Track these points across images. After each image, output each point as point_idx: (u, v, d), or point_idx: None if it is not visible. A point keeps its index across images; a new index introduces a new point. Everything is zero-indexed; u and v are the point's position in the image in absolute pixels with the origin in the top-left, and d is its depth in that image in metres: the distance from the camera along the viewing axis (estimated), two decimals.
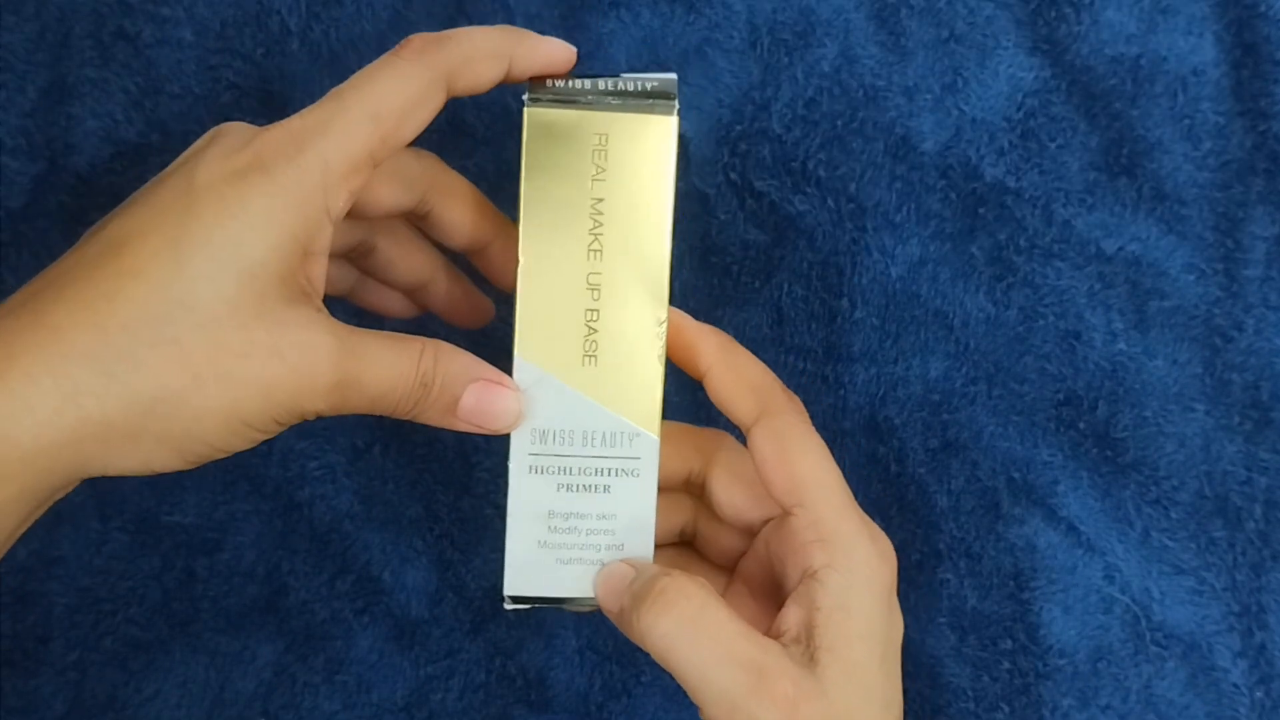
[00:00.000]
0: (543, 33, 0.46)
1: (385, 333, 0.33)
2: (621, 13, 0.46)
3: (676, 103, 0.34)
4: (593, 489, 0.35)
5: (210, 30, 0.45)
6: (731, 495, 0.37)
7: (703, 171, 0.46)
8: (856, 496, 0.42)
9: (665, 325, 0.35)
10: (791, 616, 0.34)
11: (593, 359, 0.35)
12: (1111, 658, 0.45)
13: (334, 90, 0.33)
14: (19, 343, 0.30)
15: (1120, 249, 0.47)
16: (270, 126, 0.33)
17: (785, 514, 0.35)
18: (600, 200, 0.34)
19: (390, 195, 0.37)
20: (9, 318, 0.30)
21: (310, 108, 0.33)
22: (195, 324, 0.30)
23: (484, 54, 0.34)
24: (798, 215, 0.46)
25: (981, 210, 0.46)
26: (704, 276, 0.46)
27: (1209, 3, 0.47)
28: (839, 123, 0.46)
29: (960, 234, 0.46)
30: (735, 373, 0.36)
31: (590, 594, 0.36)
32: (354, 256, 0.39)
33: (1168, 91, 0.47)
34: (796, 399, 0.36)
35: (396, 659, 0.45)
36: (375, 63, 0.33)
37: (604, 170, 0.34)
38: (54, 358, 0.30)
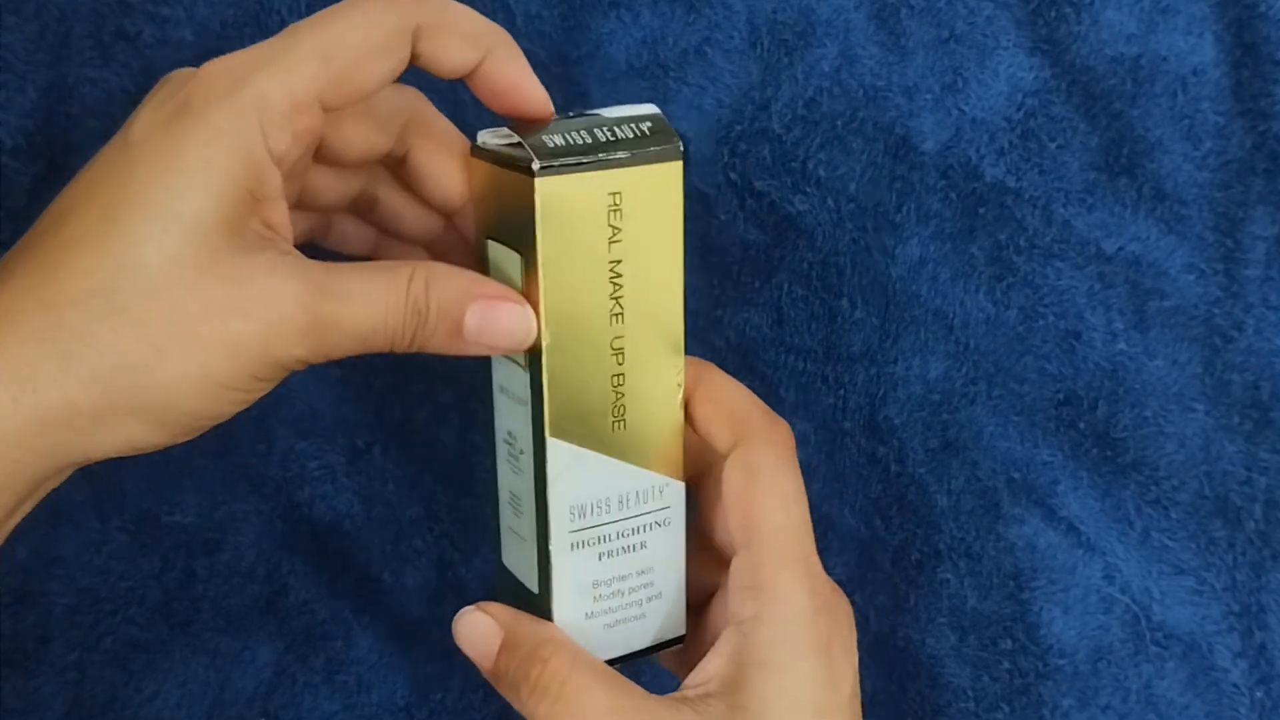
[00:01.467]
0: (543, 34, 0.46)
1: (370, 264, 0.31)
2: (621, 13, 0.46)
3: (679, 142, 0.32)
4: (632, 549, 0.34)
5: (210, 30, 0.45)
6: (716, 526, 0.37)
7: (703, 171, 0.46)
8: (856, 497, 0.42)
9: (683, 373, 0.34)
10: (712, 667, 0.33)
11: (621, 423, 0.33)
12: (1111, 658, 0.45)
13: (291, 25, 0.31)
14: None
15: (1120, 249, 0.47)
16: (209, 62, 0.30)
17: (732, 553, 0.34)
18: (618, 262, 0.32)
19: (360, 136, 0.34)
20: None
21: (261, 43, 0.30)
22: (144, 290, 0.28)
23: (462, 27, 0.32)
24: (798, 215, 0.46)
25: (981, 210, 0.47)
26: (704, 276, 0.46)
27: (1209, 3, 0.47)
28: (839, 123, 0.46)
29: (960, 234, 0.46)
30: (714, 401, 0.34)
31: (633, 649, 0.35)
32: (361, 211, 0.37)
33: (1168, 91, 0.47)
34: (781, 425, 0.35)
35: (396, 659, 0.45)
36: (343, 1, 0.31)
37: (620, 230, 0.32)
38: (4, 344, 0.28)
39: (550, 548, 0.33)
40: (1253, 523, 0.46)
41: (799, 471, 0.34)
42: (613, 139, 0.32)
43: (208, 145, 0.29)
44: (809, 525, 0.34)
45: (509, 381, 0.34)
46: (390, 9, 0.31)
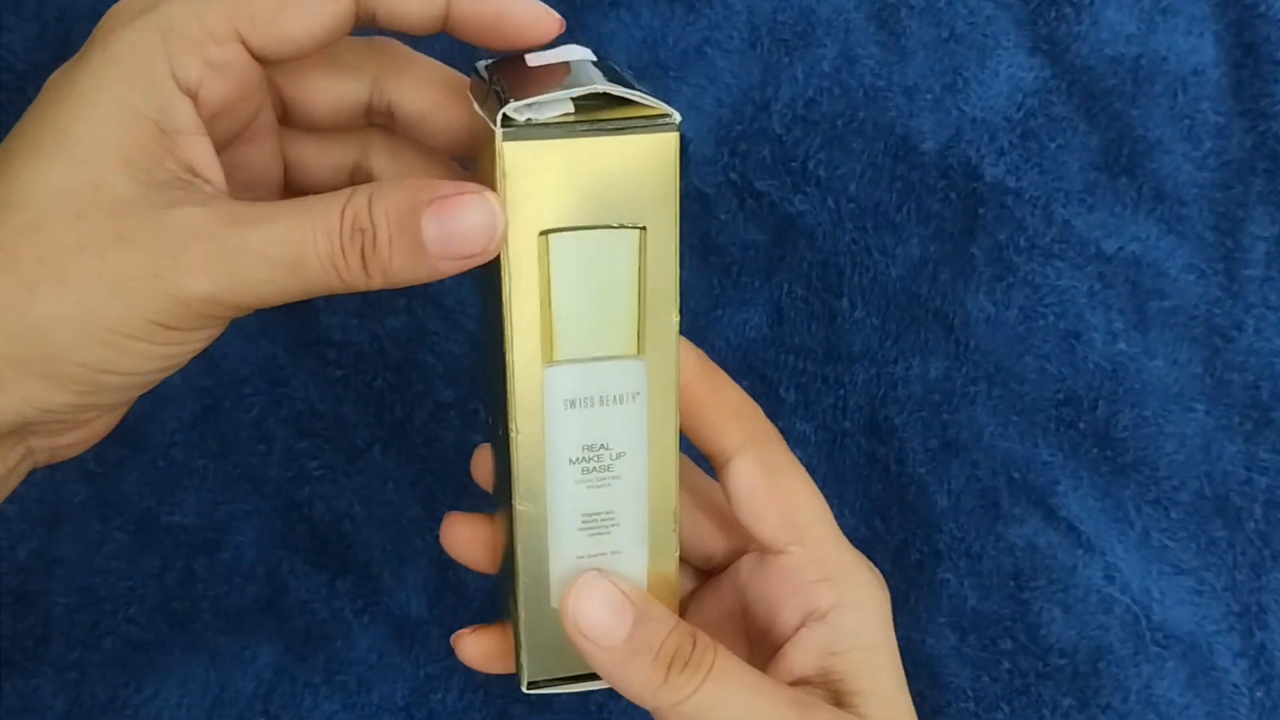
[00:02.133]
0: None
1: (282, 212, 0.27)
2: (621, 13, 0.46)
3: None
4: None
5: None
6: (696, 529, 0.34)
7: (703, 171, 0.46)
8: (856, 497, 0.43)
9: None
10: (799, 663, 0.31)
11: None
12: (1111, 658, 0.45)
13: None
14: None
15: (1120, 249, 0.47)
16: None
17: (773, 553, 0.32)
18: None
19: (331, 86, 0.31)
20: None
21: None
22: (23, 224, 0.26)
23: None
24: (798, 215, 0.46)
25: (981, 210, 0.46)
26: (704, 276, 0.46)
27: (1209, 3, 0.47)
28: (839, 123, 0.46)
29: (960, 234, 0.46)
30: (718, 396, 0.32)
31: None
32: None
33: (1168, 91, 0.47)
34: (776, 429, 0.33)
35: (396, 659, 0.45)
36: None
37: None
38: None
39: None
40: (1253, 523, 0.46)
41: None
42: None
43: (103, 71, 0.26)
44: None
45: (590, 382, 0.30)
46: None
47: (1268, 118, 0.47)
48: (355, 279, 0.27)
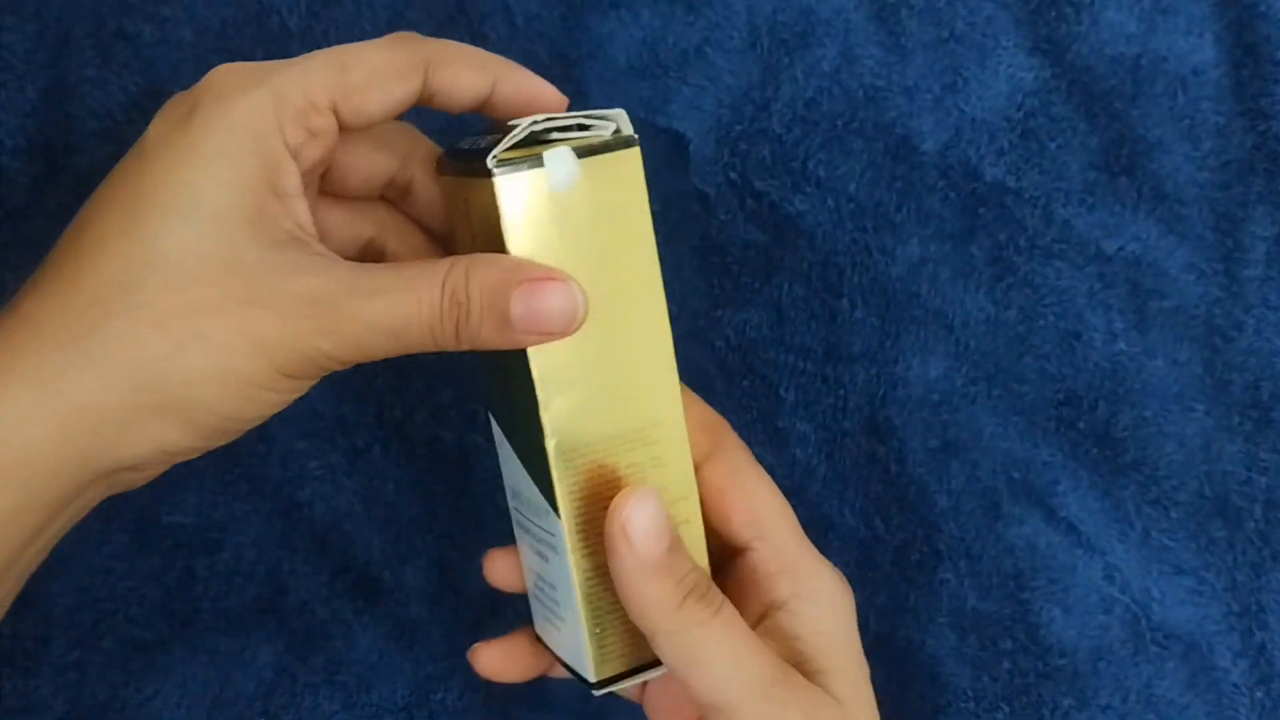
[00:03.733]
0: (543, 34, 0.46)
1: (411, 262, 0.31)
2: (621, 13, 0.46)
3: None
4: (542, 555, 0.35)
5: (210, 30, 0.45)
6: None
7: (703, 171, 0.46)
8: (856, 497, 0.43)
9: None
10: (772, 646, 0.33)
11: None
12: (1111, 658, 0.45)
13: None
14: (5, 340, 0.28)
15: (1120, 249, 0.47)
16: (218, 67, 0.31)
17: (739, 551, 0.34)
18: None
19: (371, 158, 0.34)
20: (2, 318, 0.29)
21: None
22: (162, 284, 0.28)
23: (469, 60, 0.32)
24: (798, 215, 0.46)
25: (981, 210, 0.47)
26: (704, 276, 0.46)
27: (1209, 3, 0.47)
28: (839, 123, 0.46)
29: (960, 234, 0.46)
30: (687, 412, 0.34)
31: (557, 652, 0.36)
32: (373, 260, 0.37)
33: (1168, 91, 0.47)
34: (741, 441, 0.36)
35: (396, 659, 0.45)
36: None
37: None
38: (27, 345, 0.28)
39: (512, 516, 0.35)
40: (1253, 523, 0.46)
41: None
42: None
43: (223, 136, 0.29)
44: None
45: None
46: (403, 42, 0.32)
47: (1268, 118, 0.47)
48: (447, 343, 0.30)
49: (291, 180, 0.30)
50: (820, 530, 0.46)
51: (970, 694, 0.45)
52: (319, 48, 0.45)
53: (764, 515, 0.34)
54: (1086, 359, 0.46)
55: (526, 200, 0.30)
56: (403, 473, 0.45)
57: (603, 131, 0.31)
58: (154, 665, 0.44)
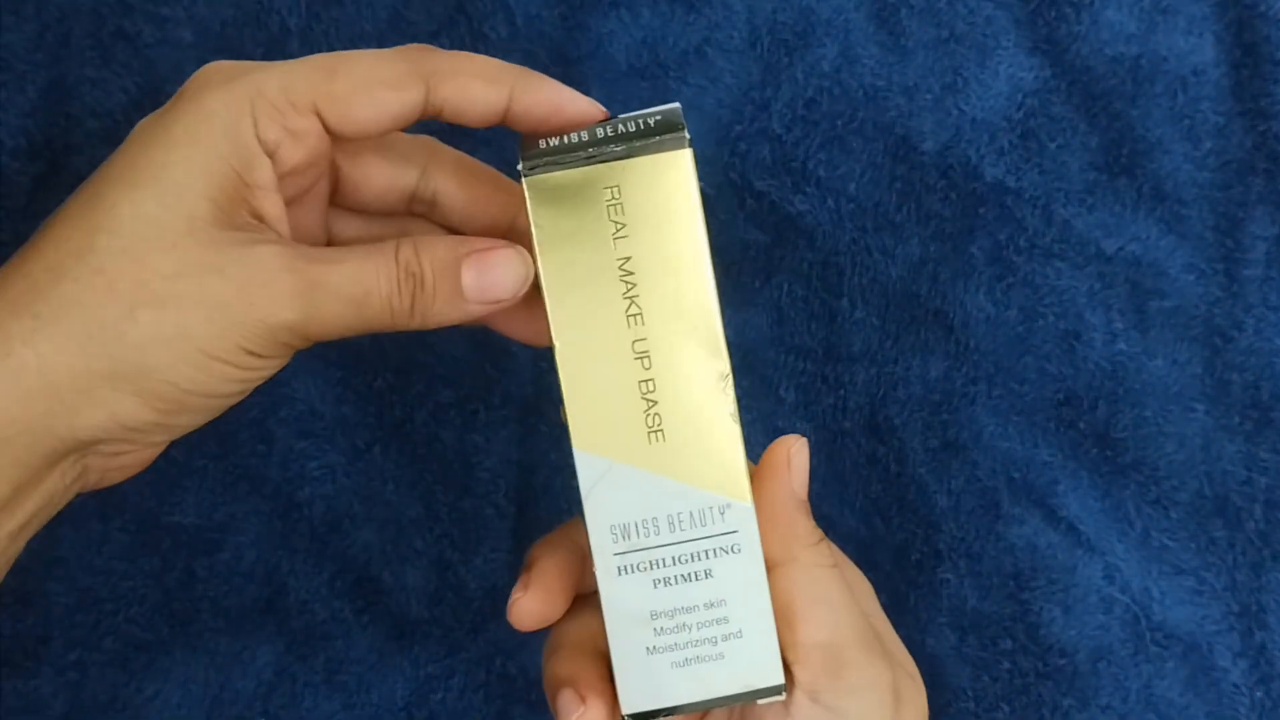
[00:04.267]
0: (543, 34, 0.46)
1: (354, 255, 0.30)
2: (621, 13, 0.46)
3: (686, 133, 0.30)
4: (692, 577, 0.31)
5: (210, 30, 0.45)
6: None
7: (703, 171, 0.46)
8: (856, 497, 0.42)
9: (730, 378, 0.31)
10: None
11: (659, 434, 0.31)
12: (1111, 658, 0.45)
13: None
14: None
15: (1120, 249, 0.47)
16: (210, 63, 0.31)
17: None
18: (627, 259, 0.30)
19: (385, 171, 0.34)
20: None
21: None
22: (118, 248, 0.28)
23: (478, 71, 0.31)
24: (798, 215, 0.46)
25: (981, 210, 0.46)
26: None
27: (1209, 3, 0.47)
28: (839, 123, 0.46)
29: (960, 234, 0.46)
30: (762, 509, 0.32)
31: (717, 694, 0.31)
32: None
33: (1168, 91, 0.47)
34: (818, 536, 0.33)
35: (396, 659, 0.45)
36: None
37: (624, 225, 0.30)
38: (11, 342, 0.28)
39: (596, 571, 0.31)
40: (1253, 523, 0.46)
41: (838, 579, 0.32)
42: (611, 135, 0.31)
43: (196, 123, 0.29)
44: (855, 626, 0.32)
45: None
46: (405, 53, 0.31)
47: (1268, 118, 0.47)
48: (402, 319, 0.30)
49: (263, 174, 0.30)
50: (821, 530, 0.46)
51: (970, 694, 0.45)
52: (319, 48, 0.45)
53: (806, 646, 0.31)
54: (1086, 359, 0.46)
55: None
56: (403, 473, 0.45)
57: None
58: (154, 665, 0.44)
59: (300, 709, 0.44)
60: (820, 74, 0.46)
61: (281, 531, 0.45)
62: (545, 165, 0.30)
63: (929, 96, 0.47)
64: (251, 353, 0.29)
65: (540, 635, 0.45)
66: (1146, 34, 0.47)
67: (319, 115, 0.30)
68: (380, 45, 0.45)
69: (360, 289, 0.30)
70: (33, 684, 0.43)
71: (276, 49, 0.45)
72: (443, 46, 0.45)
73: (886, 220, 0.46)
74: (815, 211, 0.46)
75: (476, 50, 0.45)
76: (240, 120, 0.29)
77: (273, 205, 0.31)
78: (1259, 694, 0.45)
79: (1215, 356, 0.46)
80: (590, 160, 0.30)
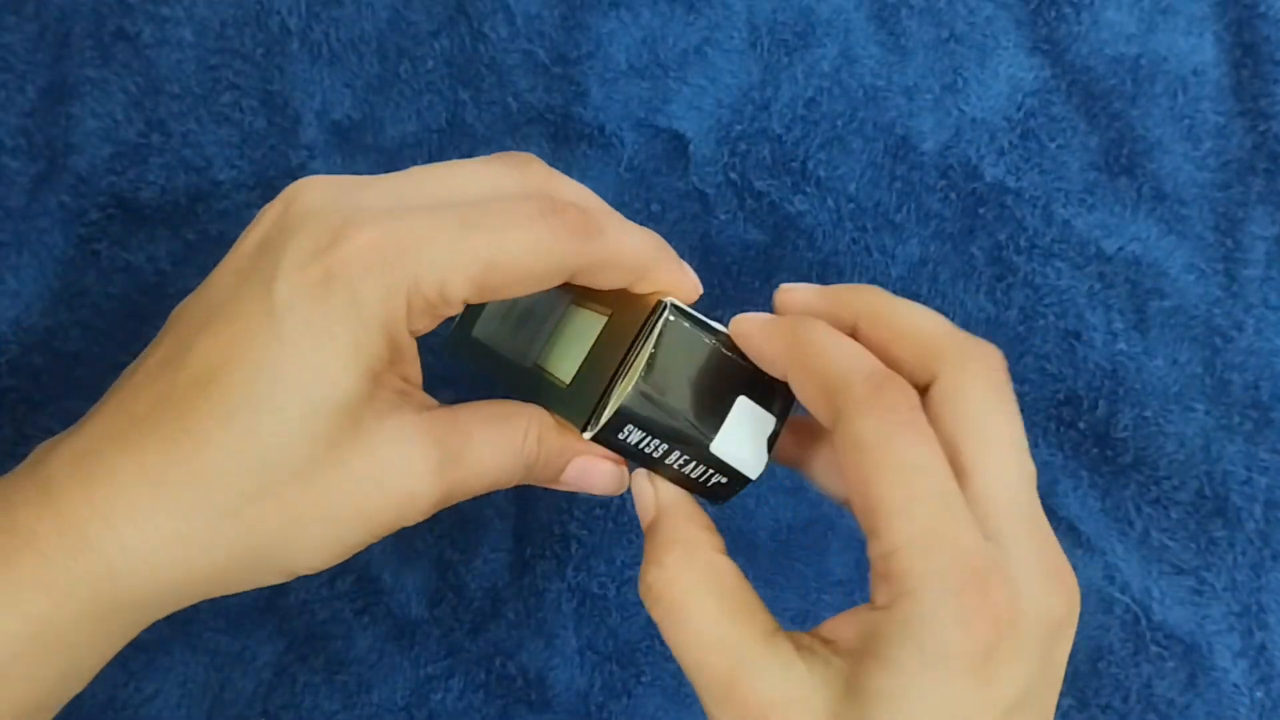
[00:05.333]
0: (543, 34, 0.46)
1: (487, 414, 0.32)
2: (621, 13, 0.46)
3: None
4: None
5: (210, 30, 0.45)
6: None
7: (703, 171, 0.46)
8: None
9: None
10: (847, 630, 0.29)
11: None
12: (1111, 658, 0.45)
13: (457, 204, 0.30)
14: (122, 477, 0.28)
15: (1120, 249, 0.47)
16: (360, 216, 0.29)
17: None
18: None
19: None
20: (106, 441, 0.29)
21: (420, 207, 0.29)
22: (293, 472, 0.29)
23: (622, 264, 0.31)
24: (798, 215, 0.46)
25: (981, 210, 0.46)
26: (704, 276, 0.46)
27: (1209, 3, 0.47)
28: (839, 123, 0.46)
29: (960, 234, 0.46)
30: (805, 371, 0.30)
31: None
32: None
33: (1168, 91, 0.47)
34: (892, 380, 0.28)
35: (396, 659, 0.45)
36: (521, 205, 0.30)
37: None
38: (157, 504, 0.28)
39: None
40: (1253, 523, 0.46)
41: (927, 432, 0.28)
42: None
43: (359, 328, 0.29)
44: (948, 498, 0.27)
45: None
46: (567, 245, 0.30)
47: (1268, 118, 0.47)
48: (518, 481, 0.33)
49: (412, 350, 0.31)
50: (820, 530, 0.46)
51: None
52: (319, 48, 0.45)
53: (877, 507, 0.27)
54: (1086, 359, 0.46)
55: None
56: None
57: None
58: (154, 665, 0.44)
59: (300, 709, 0.44)
60: (820, 74, 0.46)
61: None
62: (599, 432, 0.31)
63: (929, 96, 0.47)
64: (377, 539, 0.31)
65: (539, 636, 0.45)
66: (1146, 34, 0.47)
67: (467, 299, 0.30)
68: (380, 47, 0.45)
69: (487, 485, 0.32)
70: None
71: (276, 49, 0.45)
72: (442, 47, 0.46)
73: (886, 220, 0.46)
74: (815, 211, 0.46)
75: (476, 50, 0.46)
76: (398, 321, 0.29)
77: (414, 363, 0.32)
78: (1259, 694, 0.45)
79: (1215, 356, 0.46)
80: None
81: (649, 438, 0.31)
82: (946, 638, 0.26)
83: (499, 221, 0.29)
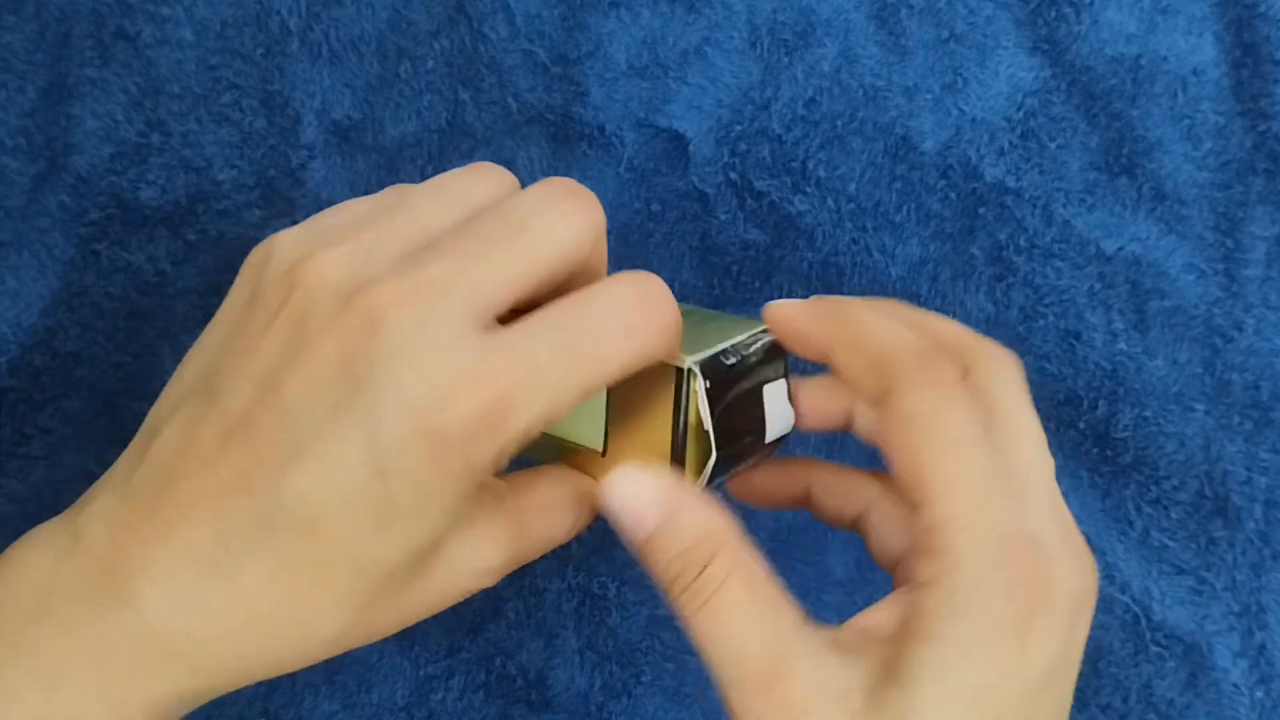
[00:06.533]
0: (543, 34, 0.46)
1: (546, 483, 0.32)
2: (621, 13, 0.46)
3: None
4: None
5: (210, 30, 0.45)
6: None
7: (703, 171, 0.46)
8: None
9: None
10: (879, 619, 0.29)
11: None
12: (1111, 658, 0.45)
13: (555, 323, 0.28)
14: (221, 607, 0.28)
15: (1120, 249, 0.47)
16: (457, 362, 0.27)
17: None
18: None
19: None
20: (197, 568, 0.28)
21: (537, 326, 0.28)
22: (381, 590, 0.28)
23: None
24: (798, 215, 0.46)
25: (981, 210, 0.47)
26: (704, 276, 0.46)
27: (1209, 3, 0.47)
28: (839, 123, 0.46)
29: (960, 234, 0.46)
30: (852, 349, 0.30)
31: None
32: None
33: (1168, 91, 0.47)
34: (942, 355, 0.29)
35: (396, 659, 0.45)
36: (621, 312, 0.28)
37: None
38: (250, 633, 0.28)
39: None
40: (1253, 523, 0.46)
41: (975, 408, 0.28)
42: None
43: (470, 482, 0.28)
44: (993, 473, 0.28)
45: None
46: (659, 348, 0.29)
47: (1268, 118, 0.47)
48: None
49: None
50: (820, 530, 0.46)
51: None
52: (319, 48, 0.45)
53: (927, 480, 0.28)
54: (1086, 359, 0.46)
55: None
56: None
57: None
58: None
59: (300, 709, 0.44)
60: (820, 74, 0.46)
61: None
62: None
63: (929, 96, 0.47)
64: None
65: (539, 636, 0.45)
66: (1146, 34, 0.47)
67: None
68: (379, 46, 0.45)
69: (550, 547, 0.32)
70: None
71: (276, 49, 0.45)
72: (443, 47, 0.46)
73: (886, 220, 0.46)
74: (815, 211, 0.46)
75: (476, 50, 0.46)
76: (501, 462, 0.28)
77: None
78: (1259, 694, 0.45)
79: (1215, 356, 0.46)
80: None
81: (727, 470, 0.33)
82: (992, 608, 0.26)
83: (607, 345, 0.28)
